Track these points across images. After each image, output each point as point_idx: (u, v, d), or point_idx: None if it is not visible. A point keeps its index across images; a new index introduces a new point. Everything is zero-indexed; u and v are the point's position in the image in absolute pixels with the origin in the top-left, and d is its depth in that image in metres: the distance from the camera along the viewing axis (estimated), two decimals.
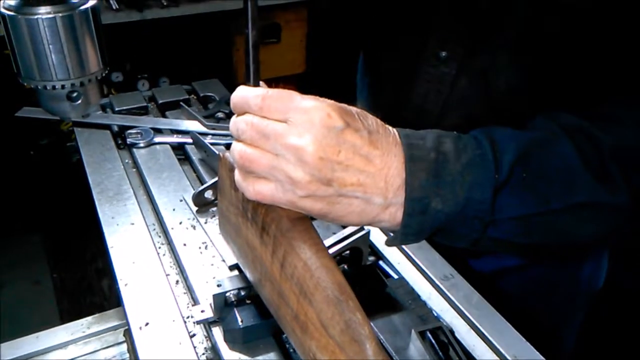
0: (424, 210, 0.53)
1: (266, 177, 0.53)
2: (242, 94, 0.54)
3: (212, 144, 1.01)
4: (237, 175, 0.56)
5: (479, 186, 0.54)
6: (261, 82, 0.57)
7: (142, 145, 1.04)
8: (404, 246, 0.82)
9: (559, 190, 0.57)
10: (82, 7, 0.64)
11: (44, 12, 0.61)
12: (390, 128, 0.55)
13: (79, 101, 0.65)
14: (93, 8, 0.65)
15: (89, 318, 0.96)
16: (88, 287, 2.48)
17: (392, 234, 0.58)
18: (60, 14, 0.62)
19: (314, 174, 0.50)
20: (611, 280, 1.05)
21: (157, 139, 1.06)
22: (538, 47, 0.68)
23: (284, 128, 0.51)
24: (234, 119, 0.55)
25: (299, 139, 0.50)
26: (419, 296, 0.75)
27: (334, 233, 0.78)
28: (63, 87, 0.63)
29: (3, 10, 0.60)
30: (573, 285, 0.99)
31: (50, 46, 0.60)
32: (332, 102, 0.52)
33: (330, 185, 0.51)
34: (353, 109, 0.53)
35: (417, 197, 0.53)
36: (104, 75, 0.68)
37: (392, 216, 0.54)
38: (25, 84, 0.64)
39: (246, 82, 0.57)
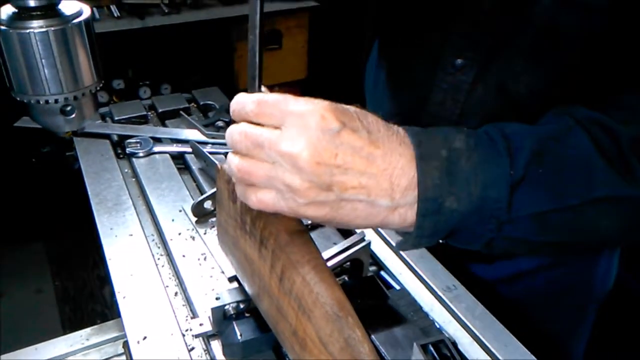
0: (438, 210, 0.51)
1: (266, 187, 0.52)
2: (240, 101, 0.53)
3: (211, 153, 1.00)
4: (238, 187, 0.55)
5: (494, 184, 0.52)
6: (263, 88, 0.56)
7: (141, 154, 1.04)
8: (406, 256, 0.81)
9: (577, 185, 0.54)
10: (75, 21, 0.63)
11: (36, 26, 0.61)
12: (393, 127, 0.53)
13: (73, 115, 0.64)
14: (86, 21, 0.64)
15: (88, 329, 0.95)
16: (90, 295, 2.47)
17: (402, 238, 0.56)
18: (52, 28, 0.61)
19: (312, 180, 0.48)
20: (618, 282, 1.04)
21: (156, 149, 1.05)
22: (555, 50, 0.67)
23: (278, 135, 0.49)
24: (229, 128, 0.54)
25: (292, 145, 0.48)
26: (421, 308, 0.74)
27: (335, 243, 0.78)
28: (56, 101, 0.62)
29: None
30: (587, 285, 0.98)
31: (43, 60, 0.59)
32: (327, 102, 0.50)
33: (331, 191, 0.49)
34: (351, 108, 0.51)
35: (431, 197, 0.50)
36: (98, 88, 0.68)
37: (402, 217, 0.52)
38: (18, 98, 0.63)
39: (248, 89, 0.55)
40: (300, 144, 0.48)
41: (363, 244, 0.73)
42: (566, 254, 0.88)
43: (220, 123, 1.14)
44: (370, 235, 0.86)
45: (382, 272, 0.82)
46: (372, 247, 0.81)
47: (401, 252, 0.82)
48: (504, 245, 0.56)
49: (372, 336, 0.66)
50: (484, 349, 0.69)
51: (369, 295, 0.71)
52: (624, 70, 0.65)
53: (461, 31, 0.74)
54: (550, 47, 0.68)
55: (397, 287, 0.79)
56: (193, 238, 0.85)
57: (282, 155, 0.49)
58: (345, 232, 0.88)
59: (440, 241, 0.58)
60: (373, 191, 0.50)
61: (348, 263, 0.74)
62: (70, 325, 2.32)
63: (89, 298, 2.46)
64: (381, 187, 0.50)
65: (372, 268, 0.82)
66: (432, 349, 0.62)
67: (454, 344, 0.69)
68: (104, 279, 2.49)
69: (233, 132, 0.53)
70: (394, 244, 0.83)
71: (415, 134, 0.53)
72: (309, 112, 0.49)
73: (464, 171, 0.51)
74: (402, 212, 0.52)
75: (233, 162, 0.53)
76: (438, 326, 0.72)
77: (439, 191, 0.51)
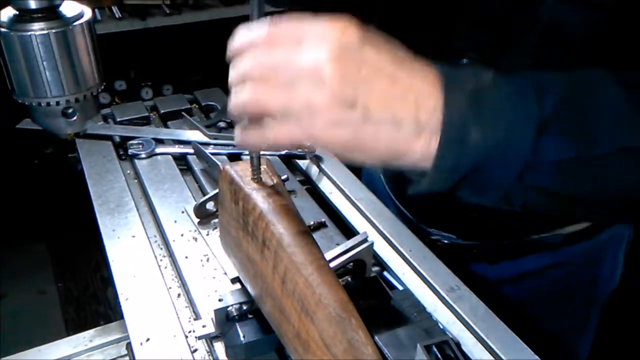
0: (462, 140, 0.48)
1: (281, 119, 0.48)
2: (244, 33, 0.49)
3: (213, 154, 1.00)
4: (249, 134, 0.51)
5: (521, 121, 0.49)
6: None
7: (143, 156, 1.04)
8: (409, 257, 0.81)
9: (607, 133, 0.52)
10: (76, 23, 0.63)
11: (37, 28, 0.61)
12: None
13: (75, 117, 0.64)
14: (87, 23, 0.64)
15: (92, 331, 0.95)
16: (93, 296, 2.48)
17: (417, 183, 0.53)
18: (53, 30, 0.61)
19: (335, 94, 0.45)
20: (622, 281, 1.04)
21: (158, 150, 1.05)
22: (559, 48, 0.67)
23: (296, 52, 0.46)
24: (232, 71, 0.50)
25: (314, 58, 0.45)
26: (424, 308, 0.73)
27: (338, 244, 0.77)
28: (58, 103, 0.63)
29: None
30: (593, 284, 0.97)
31: (44, 63, 0.59)
32: (346, 19, 0.47)
33: (354, 108, 0.46)
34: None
35: (456, 125, 0.48)
36: (100, 90, 0.68)
37: (427, 145, 0.48)
38: (20, 101, 0.64)
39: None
40: (323, 55, 0.45)
41: (366, 244, 0.73)
42: (586, 217, 0.83)
43: (222, 124, 1.13)
44: (373, 235, 0.86)
45: (385, 273, 0.82)
46: (375, 247, 0.81)
47: (404, 253, 0.81)
48: (522, 197, 0.53)
49: (375, 337, 0.66)
50: (487, 350, 0.68)
51: (372, 295, 0.71)
52: (629, 66, 0.64)
53: (465, 31, 0.74)
54: (555, 45, 0.68)
55: (401, 288, 0.78)
56: (195, 239, 0.85)
57: (302, 70, 0.46)
58: (348, 233, 0.88)
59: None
60: (398, 111, 0.47)
61: (351, 264, 0.74)
62: (74, 326, 2.32)
63: (92, 299, 2.47)
64: (407, 107, 0.47)
65: (375, 269, 0.82)
66: (435, 349, 0.62)
67: (458, 344, 0.68)
68: (107, 280, 2.50)
69: (242, 63, 0.49)
70: (396, 244, 0.83)
71: (439, 66, 0.50)
72: (328, 26, 0.46)
73: (490, 104, 0.49)
74: (426, 137, 0.48)
75: (242, 98, 0.49)
76: (441, 327, 0.71)
77: (465, 119, 0.48)
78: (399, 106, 0.47)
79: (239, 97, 0.49)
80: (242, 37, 0.50)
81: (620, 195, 0.57)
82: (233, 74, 0.50)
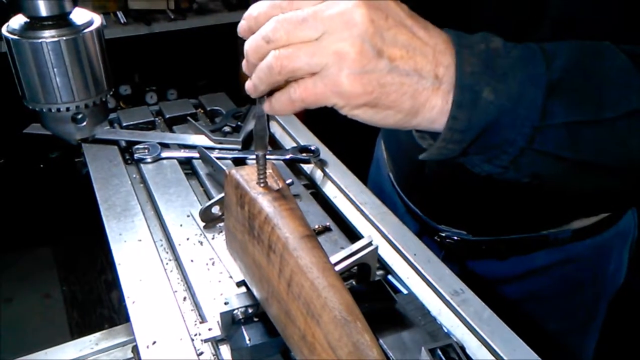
0: (474, 101, 0.50)
1: (304, 76, 0.49)
2: (260, 2, 0.50)
3: (218, 158, 1.01)
4: (274, 98, 0.52)
5: (531, 82, 0.51)
6: None
7: (149, 160, 1.04)
8: (413, 261, 0.81)
9: (614, 97, 0.53)
10: (86, 30, 0.64)
11: (48, 35, 0.62)
12: None
13: (84, 123, 0.65)
14: (97, 30, 0.65)
15: (97, 334, 0.96)
16: (97, 299, 2.49)
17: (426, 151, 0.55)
18: (64, 38, 0.62)
19: (364, 39, 0.47)
20: (627, 283, 1.04)
21: (164, 154, 1.06)
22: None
23: (323, 4, 0.47)
24: (251, 37, 0.50)
25: (345, 5, 0.47)
26: (428, 312, 0.74)
27: (342, 248, 0.78)
28: (68, 109, 0.64)
29: (6, 34, 0.61)
30: (600, 280, 0.97)
31: (55, 69, 0.60)
32: None
33: (380, 57, 0.47)
34: None
35: (468, 84, 0.50)
36: (109, 96, 0.69)
37: (445, 99, 0.50)
38: (30, 107, 0.65)
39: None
40: (354, 1, 0.47)
41: (370, 248, 0.74)
42: (595, 189, 0.82)
43: (227, 128, 1.14)
44: (377, 239, 0.86)
45: (390, 277, 0.83)
46: (380, 251, 0.81)
47: (409, 257, 0.82)
48: (532, 165, 0.54)
49: (380, 340, 0.66)
50: (492, 353, 0.69)
51: (376, 299, 0.71)
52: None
53: (477, 28, 0.74)
54: (566, 39, 0.68)
55: (405, 292, 0.79)
56: (201, 243, 0.85)
57: (332, 17, 0.47)
58: (352, 237, 0.88)
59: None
60: (419, 63, 0.49)
61: (355, 267, 0.75)
62: (78, 329, 2.33)
63: (96, 302, 2.48)
64: (427, 60, 0.49)
65: (380, 272, 0.83)
66: (440, 353, 0.62)
67: (462, 348, 0.69)
68: (111, 284, 2.51)
69: (266, 27, 0.49)
70: (400, 248, 0.84)
71: (449, 30, 0.52)
72: None
73: (501, 66, 0.51)
74: (445, 92, 0.50)
75: (265, 63, 0.49)
76: (446, 330, 0.72)
77: (477, 79, 0.50)
78: (419, 58, 0.49)
79: (263, 64, 0.50)
80: (260, 4, 0.51)
81: (628, 164, 0.57)
82: (251, 41, 0.50)
